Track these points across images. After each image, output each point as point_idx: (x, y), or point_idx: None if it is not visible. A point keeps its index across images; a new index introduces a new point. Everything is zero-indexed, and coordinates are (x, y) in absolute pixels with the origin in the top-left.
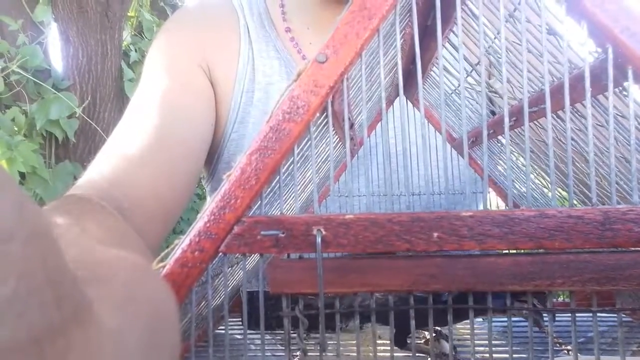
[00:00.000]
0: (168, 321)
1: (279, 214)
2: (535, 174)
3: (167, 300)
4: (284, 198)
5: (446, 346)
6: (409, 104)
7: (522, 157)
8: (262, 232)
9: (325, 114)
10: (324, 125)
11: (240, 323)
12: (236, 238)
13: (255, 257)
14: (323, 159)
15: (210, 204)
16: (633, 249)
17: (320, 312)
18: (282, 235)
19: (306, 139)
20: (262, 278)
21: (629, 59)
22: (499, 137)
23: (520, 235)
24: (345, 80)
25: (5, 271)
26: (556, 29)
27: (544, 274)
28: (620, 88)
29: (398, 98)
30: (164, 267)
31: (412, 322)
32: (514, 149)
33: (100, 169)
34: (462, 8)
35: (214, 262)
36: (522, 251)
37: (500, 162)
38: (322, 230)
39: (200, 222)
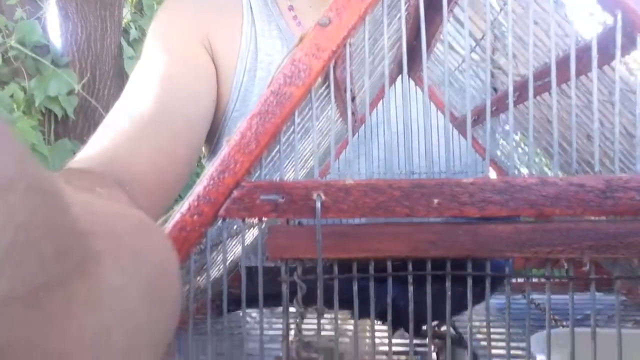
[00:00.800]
0: (170, 277)
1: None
2: (537, 153)
3: (170, 257)
4: (284, 167)
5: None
6: (411, 82)
7: (525, 135)
8: (262, 197)
9: (327, 82)
10: (326, 95)
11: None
12: (235, 202)
13: (254, 232)
14: (324, 133)
15: (210, 168)
16: (633, 217)
17: (318, 277)
18: (282, 200)
19: (307, 108)
20: (260, 253)
21: (637, 25)
22: (501, 115)
23: (521, 203)
24: (348, 45)
25: (3, 220)
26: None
27: (544, 241)
28: (627, 56)
29: (400, 75)
30: None
31: (410, 288)
32: (516, 127)
33: (100, 143)
34: None
35: (212, 229)
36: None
37: (502, 140)
38: (321, 195)
39: (199, 187)
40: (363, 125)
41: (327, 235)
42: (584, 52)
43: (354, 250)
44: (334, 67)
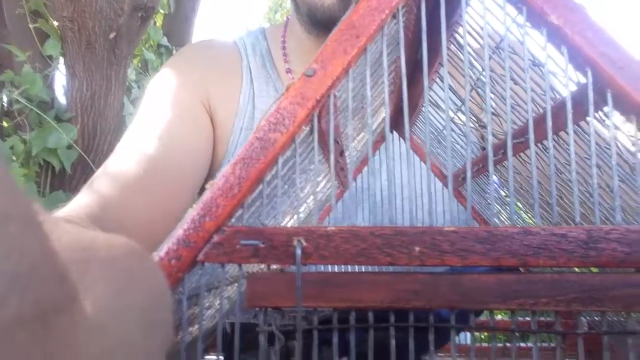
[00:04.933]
0: (163, 304)
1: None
2: (521, 209)
3: (162, 284)
4: (265, 212)
5: None
6: (401, 141)
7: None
8: (242, 242)
9: (312, 135)
10: (312, 148)
11: None
12: (215, 247)
13: (234, 289)
14: (313, 187)
15: (191, 211)
16: (617, 269)
17: (297, 326)
18: (262, 246)
19: (293, 160)
20: (240, 310)
21: (607, 82)
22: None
23: (503, 252)
24: (333, 96)
25: (6, 249)
26: (540, 60)
27: (529, 293)
28: (601, 113)
29: (396, 132)
30: None
31: (392, 342)
32: (504, 184)
33: (93, 193)
34: (450, 41)
35: (190, 285)
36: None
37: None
38: (302, 241)
39: (179, 230)
40: (354, 184)
41: (307, 283)
42: (560, 109)
43: (335, 300)
44: (319, 118)
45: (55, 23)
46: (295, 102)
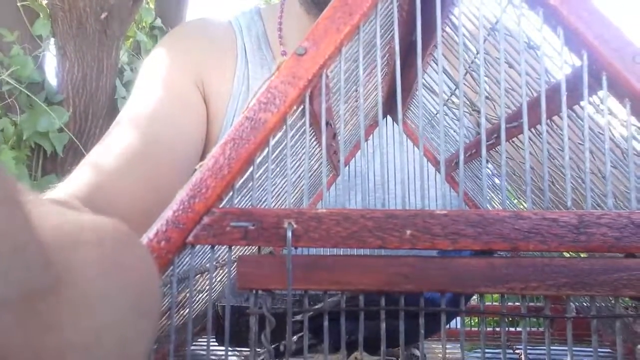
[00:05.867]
0: (152, 287)
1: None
2: (515, 197)
3: (152, 270)
4: (256, 195)
5: (417, 352)
6: (395, 125)
7: (508, 182)
8: (232, 224)
9: (304, 117)
10: (303, 133)
11: (215, 342)
12: (205, 229)
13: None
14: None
15: (181, 192)
16: (607, 254)
17: (287, 309)
18: (252, 228)
19: (284, 142)
20: (229, 292)
21: (602, 65)
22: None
23: (494, 236)
24: (325, 76)
25: None
26: (535, 42)
27: (519, 277)
28: (595, 97)
29: (390, 117)
30: None
31: (383, 325)
32: (497, 171)
33: (83, 173)
34: (445, 22)
35: (180, 267)
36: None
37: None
38: (293, 223)
39: (168, 212)
40: (347, 168)
41: (298, 266)
42: (554, 93)
43: (325, 282)
44: (311, 99)
45: (45, 1)
46: (286, 81)
